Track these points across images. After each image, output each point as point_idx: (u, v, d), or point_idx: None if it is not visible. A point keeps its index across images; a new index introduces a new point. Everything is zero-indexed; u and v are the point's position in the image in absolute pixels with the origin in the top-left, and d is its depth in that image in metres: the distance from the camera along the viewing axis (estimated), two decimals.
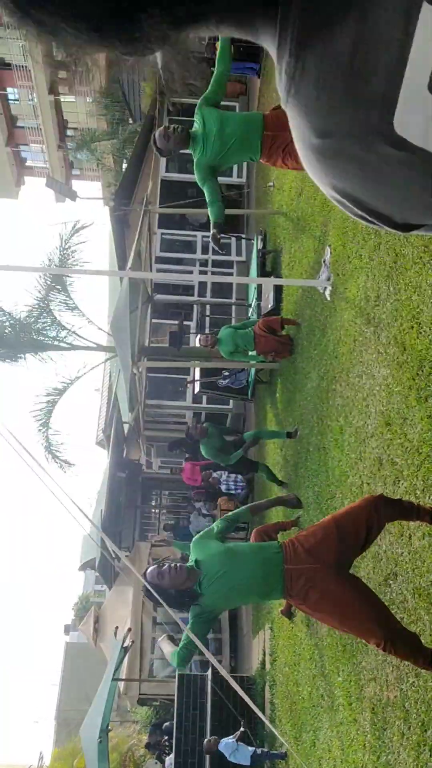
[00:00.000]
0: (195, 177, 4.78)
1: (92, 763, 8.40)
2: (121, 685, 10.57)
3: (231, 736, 7.50)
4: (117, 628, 10.92)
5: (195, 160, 4.66)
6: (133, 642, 10.55)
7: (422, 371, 3.92)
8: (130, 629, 10.46)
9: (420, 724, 3.62)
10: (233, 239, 14.24)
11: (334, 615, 3.43)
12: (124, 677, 10.29)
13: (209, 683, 8.54)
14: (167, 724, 10.49)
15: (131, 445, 16.15)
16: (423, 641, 3.60)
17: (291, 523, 7.42)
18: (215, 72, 4.65)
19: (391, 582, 4.21)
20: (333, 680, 5.37)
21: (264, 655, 8.95)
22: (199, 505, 13.41)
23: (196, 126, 4.63)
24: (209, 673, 9.11)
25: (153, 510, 19.00)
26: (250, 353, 8.77)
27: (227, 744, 7.32)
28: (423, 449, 3.84)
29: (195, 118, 4.67)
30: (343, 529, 3.45)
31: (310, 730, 5.98)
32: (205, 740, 7.73)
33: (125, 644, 9.69)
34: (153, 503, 18.95)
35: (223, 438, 8.78)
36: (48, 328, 12.70)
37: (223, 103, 14.31)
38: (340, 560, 3.42)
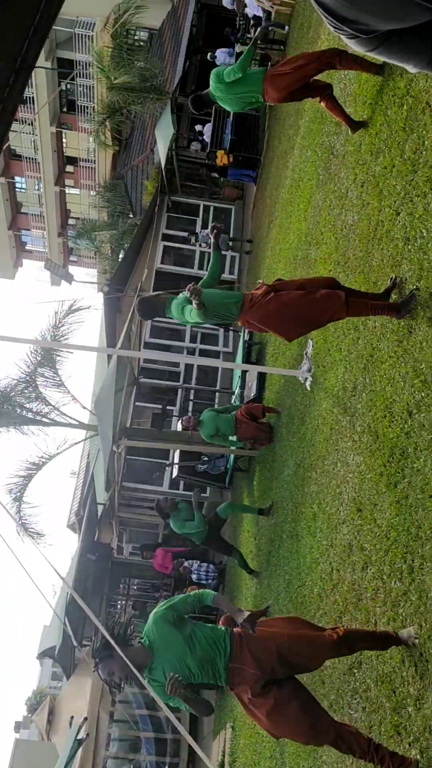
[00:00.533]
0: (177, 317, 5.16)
1: None
2: None
3: None
4: (72, 717, 10.42)
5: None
6: (88, 735, 10.03)
7: (393, 458, 4.09)
8: (86, 718, 9.97)
9: None
10: (221, 330, 14.71)
11: (268, 720, 3.58)
12: None
13: None
14: None
15: (104, 527, 15.91)
16: (382, 728, 3.59)
17: (260, 612, 7.35)
18: (206, 276, 5.11)
19: (355, 671, 4.20)
20: None
21: (224, 756, 8.56)
22: (166, 594, 13.12)
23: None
24: None
25: (120, 599, 18.43)
26: (230, 438, 8.92)
27: None
28: (391, 534, 3.95)
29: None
30: (292, 651, 3.54)
31: None
32: None
33: (80, 736, 9.21)
34: (120, 593, 18.40)
35: (193, 513, 8.76)
36: (32, 402, 12.84)
37: (222, 205, 15.10)
38: (279, 674, 3.54)
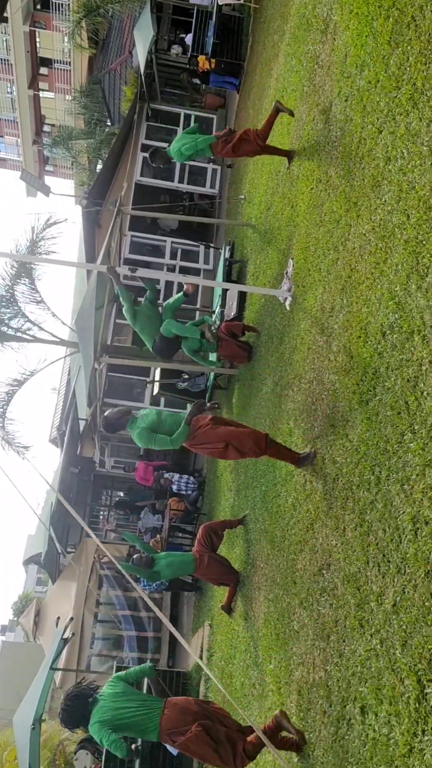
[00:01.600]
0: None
1: (23, 750, 8.44)
2: (58, 678, 10.63)
3: None
4: (59, 618, 11.01)
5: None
6: (73, 634, 10.64)
7: (365, 377, 4.26)
8: (72, 618, 10.56)
9: (340, 700, 3.92)
10: (201, 247, 14.57)
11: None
12: (61, 668, 10.38)
13: None
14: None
15: (86, 442, 16.25)
16: (347, 622, 3.92)
17: (237, 521, 7.74)
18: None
19: (324, 572, 4.52)
20: (265, 668, 5.65)
21: (201, 651, 9.18)
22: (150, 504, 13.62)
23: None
24: None
25: (102, 510, 19.06)
26: (211, 356, 9.05)
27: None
28: (361, 448, 4.17)
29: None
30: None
31: (239, 718, 6.23)
32: None
33: (65, 635, 9.78)
34: (102, 504, 19.01)
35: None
36: (12, 318, 12.78)
37: (203, 114, 14.71)
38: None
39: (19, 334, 12.92)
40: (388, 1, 4.66)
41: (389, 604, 3.44)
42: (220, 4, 13.02)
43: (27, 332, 13.03)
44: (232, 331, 8.51)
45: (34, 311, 13.14)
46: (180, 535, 11.94)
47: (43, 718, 9.39)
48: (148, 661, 10.18)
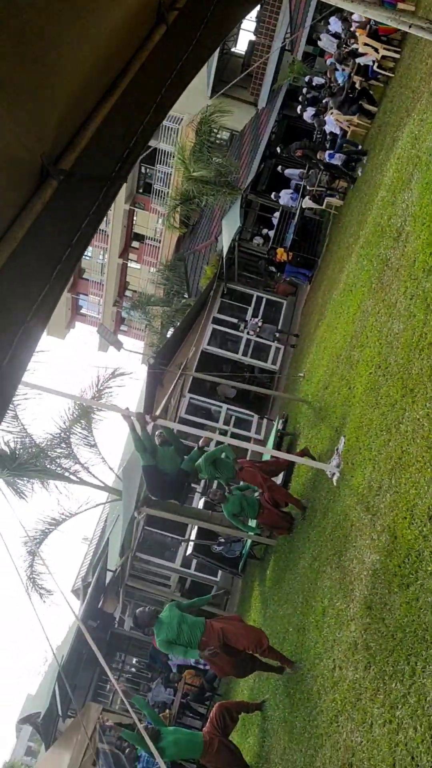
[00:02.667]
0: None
1: None
2: None
3: None
4: None
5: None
6: None
7: (408, 560, 4.16)
8: None
9: None
10: (255, 417, 14.95)
11: None
12: None
13: None
14: None
15: (109, 596, 15.71)
16: None
17: (255, 705, 7.22)
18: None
19: None
20: None
21: None
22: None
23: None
24: None
25: (114, 674, 17.93)
26: (250, 522, 8.94)
27: None
28: (397, 635, 3.97)
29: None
30: None
31: None
32: None
33: None
34: (115, 668, 17.91)
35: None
36: (63, 458, 13.09)
37: (274, 299, 15.59)
38: None
39: (67, 474, 13.15)
40: None
41: None
42: (304, 207, 14.46)
43: (75, 474, 13.25)
44: (276, 500, 8.46)
45: (84, 454, 13.47)
46: (190, 714, 11.05)
47: None
48: None
